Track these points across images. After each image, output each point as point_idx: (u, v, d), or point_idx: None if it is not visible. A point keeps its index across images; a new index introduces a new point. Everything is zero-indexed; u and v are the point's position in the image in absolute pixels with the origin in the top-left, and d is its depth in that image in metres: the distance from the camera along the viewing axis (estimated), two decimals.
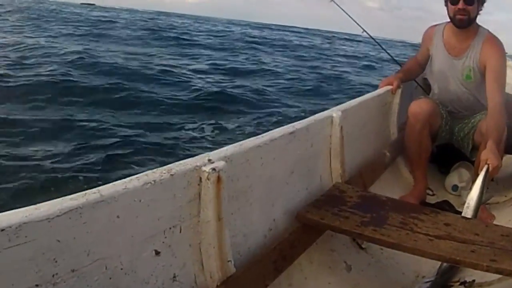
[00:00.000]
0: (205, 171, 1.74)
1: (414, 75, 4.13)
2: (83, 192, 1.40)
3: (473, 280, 2.58)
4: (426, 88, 4.20)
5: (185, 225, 1.74)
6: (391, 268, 2.80)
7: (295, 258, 2.32)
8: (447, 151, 3.95)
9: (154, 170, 1.65)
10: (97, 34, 23.66)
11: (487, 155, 3.00)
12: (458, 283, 2.60)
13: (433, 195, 3.85)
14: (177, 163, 1.73)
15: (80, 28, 26.05)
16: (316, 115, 2.75)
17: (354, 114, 3.20)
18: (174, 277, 1.70)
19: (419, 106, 3.54)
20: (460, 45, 3.56)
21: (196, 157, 1.82)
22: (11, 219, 1.19)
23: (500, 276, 2.51)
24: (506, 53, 3.49)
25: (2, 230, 1.16)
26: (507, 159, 3.97)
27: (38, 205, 1.29)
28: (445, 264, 2.61)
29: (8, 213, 1.22)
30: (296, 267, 2.35)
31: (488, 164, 3.01)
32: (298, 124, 2.47)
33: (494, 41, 3.47)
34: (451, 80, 3.65)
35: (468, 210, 2.90)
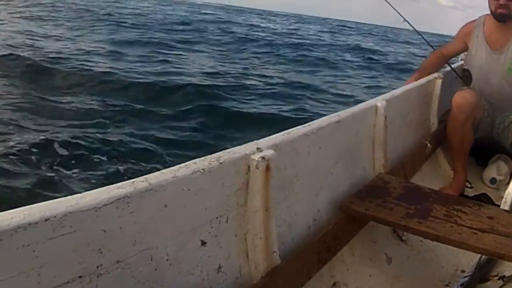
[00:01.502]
0: (254, 159, 1.71)
1: (433, 70, 4.07)
2: (131, 181, 1.37)
3: None
4: (466, 79, 4.14)
5: (232, 215, 1.70)
6: (430, 261, 2.76)
7: (338, 249, 2.30)
8: (486, 144, 3.89)
9: (203, 158, 1.62)
10: None
11: None
12: (497, 277, 2.57)
13: (471, 187, 3.80)
14: (225, 151, 1.70)
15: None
16: (361, 104, 2.71)
17: (397, 104, 3.15)
18: (219, 268, 1.67)
19: (464, 97, 3.46)
20: (502, 39, 3.53)
21: (245, 145, 1.78)
22: (56, 208, 1.16)
23: None
24: None
25: (47, 220, 1.12)
26: None
27: (83, 193, 1.25)
28: (483, 257, 2.59)
29: (53, 201, 1.19)
30: (338, 259, 2.32)
31: None
32: (343, 113, 2.43)
33: None
34: (492, 74, 3.60)
35: (506, 204, 2.87)
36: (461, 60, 4.84)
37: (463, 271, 2.63)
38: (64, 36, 16.32)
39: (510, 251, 2.09)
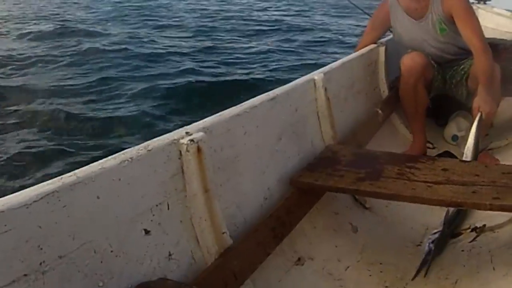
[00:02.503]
0: (183, 143, 1.72)
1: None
2: (59, 177, 1.38)
3: (484, 225, 2.57)
4: None
5: (172, 200, 1.71)
6: (398, 225, 2.77)
7: (295, 224, 2.28)
8: (442, 102, 3.91)
9: (131, 148, 1.63)
10: None
11: (478, 102, 3.06)
12: (469, 230, 2.59)
13: (434, 148, 3.83)
14: (154, 139, 1.71)
15: None
16: (297, 80, 2.71)
17: (339, 76, 3.15)
18: (170, 255, 1.67)
19: (412, 59, 3.49)
20: (420, 6, 3.52)
21: (174, 131, 1.79)
22: None
23: (510, 216, 2.49)
24: None
25: None
26: (506, 102, 3.94)
27: (15, 193, 1.26)
28: (451, 211, 2.61)
29: None
30: (299, 233, 2.32)
31: (481, 112, 3.03)
32: (278, 90, 2.43)
33: None
34: (426, 42, 3.62)
35: (467, 157, 2.93)
36: None
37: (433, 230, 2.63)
38: None
39: (468, 199, 2.11)
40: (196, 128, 1.82)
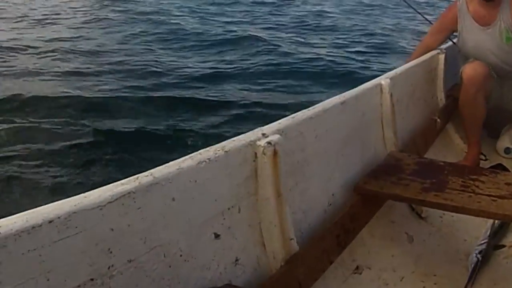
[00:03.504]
0: (260, 145, 1.68)
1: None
2: (135, 176, 1.34)
3: None
4: None
5: (244, 204, 1.67)
6: (452, 236, 2.73)
7: (357, 231, 2.27)
8: (496, 114, 3.85)
9: (208, 148, 1.59)
10: None
11: None
12: None
13: (486, 160, 3.75)
14: (230, 140, 1.67)
15: None
16: (365, 84, 2.68)
17: (402, 81, 3.11)
18: (236, 260, 1.64)
19: (474, 69, 3.40)
20: (489, 14, 3.47)
21: (249, 132, 1.75)
22: (59, 209, 1.13)
23: None
24: None
25: (50, 222, 1.09)
26: None
27: (87, 193, 1.22)
28: (496, 223, 2.61)
29: (56, 203, 1.16)
30: (358, 242, 2.29)
31: None
32: (347, 94, 2.40)
33: None
34: (489, 50, 3.54)
35: None
36: None
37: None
38: None
39: None
40: (271, 130, 1.78)
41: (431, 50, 3.87)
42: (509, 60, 3.53)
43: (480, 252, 2.43)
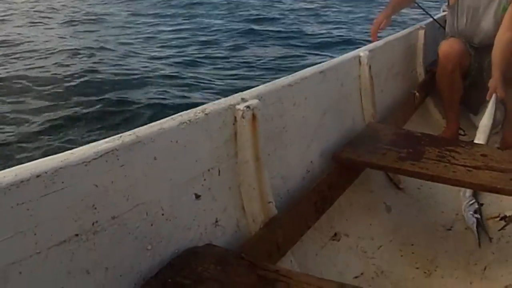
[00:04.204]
0: (239, 109, 1.71)
1: (405, 5, 4.01)
2: (118, 135, 1.37)
3: None
4: None
5: (223, 167, 1.70)
6: (430, 208, 2.78)
7: (335, 199, 2.30)
8: (476, 90, 3.89)
9: (189, 110, 1.62)
10: None
11: (495, 83, 3.14)
12: (498, 218, 2.59)
13: (465, 135, 3.80)
14: (211, 103, 1.70)
15: None
16: (344, 55, 2.71)
17: (381, 55, 3.15)
18: (216, 221, 1.67)
19: (450, 46, 3.44)
20: None
21: (230, 96, 1.78)
22: (46, 165, 1.15)
23: None
24: None
25: (38, 176, 1.12)
26: None
27: (73, 150, 1.25)
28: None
29: (43, 159, 1.18)
30: (336, 209, 2.33)
31: (496, 92, 3.14)
32: (327, 64, 2.43)
33: None
34: (484, 16, 3.55)
35: (480, 135, 3.04)
36: (443, 11, 4.83)
37: (463, 215, 2.63)
38: None
39: (507, 185, 2.11)
40: (251, 95, 1.81)
41: None
42: (493, 31, 3.50)
43: (475, 212, 2.52)
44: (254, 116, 1.73)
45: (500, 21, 3.40)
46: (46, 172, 1.14)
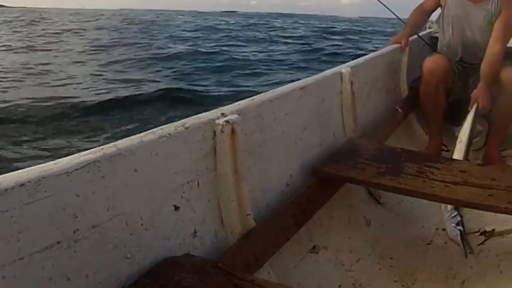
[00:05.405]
0: (218, 124, 1.75)
1: (421, 25, 4.14)
2: (100, 147, 1.41)
3: (493, 229, 2.59)
4: (434, 46, 4.20)
5: (203, 179, 1.74)
6: (410, 222, 2.81)
7: (314, 212, 2.33)
8: (459, 107, 3.93)
9: (169, 124, 1.66)
10: None
11: (478, 94, 3.19)
12: (478, 233, 2.62)
13: (448, 150, 3.83)
14: (191, 117, 1.74)
15: None
16: (326, 71, 2.76)
17: (364, 71, 3.20)
18: (195, 232, 1.71)
19: (435, 62, 3.51)
20: None
21: (210, 111, 1.83)
22: (30, 174, 1.19)
23: None
24: None
25: (22, 185, 1.16)
26: None
27: (56, 160, 1.29)
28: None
29: (27, 169, 1.22)
30: (315, 222, 2.36)
31: (478, 103, 3.17)
32: (308, 80, 2.48)
33: None
34: (467, 26, 3.62)
35: (459, 146, 3.08)
36: (429, 28, 4.91)
37: (443, 230, 2.67)
38: None
39: (484, 201, 2.14)
40: (231, 110, 1.86)
41: (424, 14, 3.97)
42: (482, 45, 3.58)
43: (458, 224, 2.55)
44: (233, 131, 1.77)
45: (488, 31, 3.49)
46: (29, 181, 1.17)
